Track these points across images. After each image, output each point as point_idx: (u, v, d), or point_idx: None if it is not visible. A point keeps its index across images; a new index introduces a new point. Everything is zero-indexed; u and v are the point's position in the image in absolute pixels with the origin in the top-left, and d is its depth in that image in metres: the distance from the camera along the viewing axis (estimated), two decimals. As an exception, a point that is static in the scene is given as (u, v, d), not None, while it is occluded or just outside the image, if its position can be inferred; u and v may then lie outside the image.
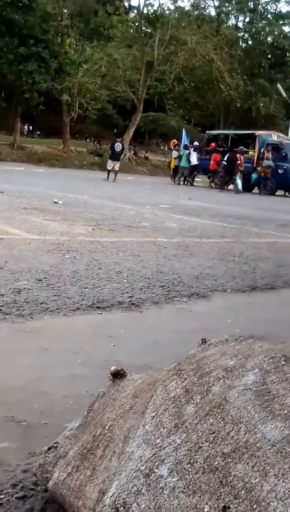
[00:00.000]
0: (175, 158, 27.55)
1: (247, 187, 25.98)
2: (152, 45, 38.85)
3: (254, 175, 23.89)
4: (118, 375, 1.43)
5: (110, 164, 21.76)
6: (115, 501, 0.99)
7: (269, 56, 49.74)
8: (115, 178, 21.22)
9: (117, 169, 21.61)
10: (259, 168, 23.58)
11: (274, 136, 26.75)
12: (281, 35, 48.76)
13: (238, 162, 22.94)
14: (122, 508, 0.97)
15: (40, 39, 30.64)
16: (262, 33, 49.18)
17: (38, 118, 49.17)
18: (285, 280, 4.84)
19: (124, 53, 41.58)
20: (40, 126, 50.49)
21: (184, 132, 31.04)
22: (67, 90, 34.58)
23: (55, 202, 9.61)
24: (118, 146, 21.98)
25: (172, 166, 28.05)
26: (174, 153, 27.98)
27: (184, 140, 29.95)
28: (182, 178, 27.18)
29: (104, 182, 20.38)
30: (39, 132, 50.50)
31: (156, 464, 0.97)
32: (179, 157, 26.88)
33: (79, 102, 36.87)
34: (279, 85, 40.14)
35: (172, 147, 30.73)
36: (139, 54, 40.17)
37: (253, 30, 49.85)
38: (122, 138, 26.76)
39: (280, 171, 23.15)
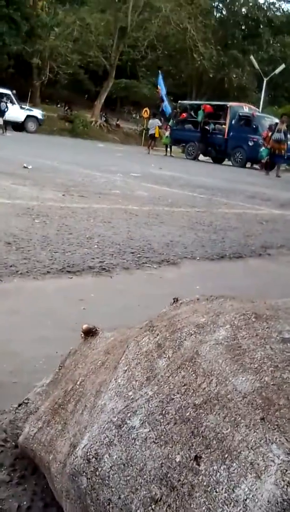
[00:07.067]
0: (160, 128, 27.34)
1: (219, 159, 26.00)
2: (125, 11, 38.21)
3: (263, 150, 20.86)
4: (90, 333, 1.44)
5: None
6: (87, 452, 1.00)
7: (243, 27, 49.42)
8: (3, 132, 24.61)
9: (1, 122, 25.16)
10: (270, 143, 20.24)
11: (246, 108, 26.69)
12: (256, 6, 48.42)
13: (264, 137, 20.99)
14: (94, 459, 0.98)
15: (12, 0, 29.92)
16: (237, 3, 48.78)
17: (7, 81, 48.14)
18: (253, 249, 4.90)
19: (97, 17, 40.81)
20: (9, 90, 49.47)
21: (160, 77, 30.39)
22: (38, 53, 33.99)
23: (25, 167, 9.48)
24: (2, 105, 25.99)
25: (156, 135, 27.52)
26: (157, 122, 27.75)
27: (160, 86, 29.45)
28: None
29: (73, 148, 20.45)
30: (8, 96, 49.48)
31: (128, 415, 0.98)
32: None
33: (50, 66, 36.28)
34: (252, 57, 40.00)
35: (144, 116, 30.33)
36: (112, 20, 39.51)
37: (228, 0, 49.37)
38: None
39: (250, 143, 23.17)
